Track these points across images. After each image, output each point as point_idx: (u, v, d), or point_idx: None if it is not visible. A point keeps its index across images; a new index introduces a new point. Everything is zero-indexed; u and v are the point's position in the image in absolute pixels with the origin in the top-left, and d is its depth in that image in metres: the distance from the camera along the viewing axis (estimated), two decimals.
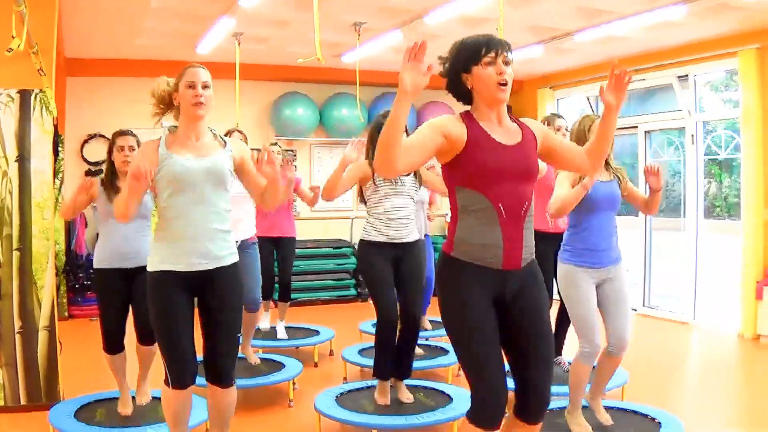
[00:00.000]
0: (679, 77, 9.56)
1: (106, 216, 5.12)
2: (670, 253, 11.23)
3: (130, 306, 5.23)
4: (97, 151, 10.33)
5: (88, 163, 10.37)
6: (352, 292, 11.71)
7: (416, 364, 6.05)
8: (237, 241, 6.10)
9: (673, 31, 8.49)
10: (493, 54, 3.23)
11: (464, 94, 3.38)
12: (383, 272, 5.51)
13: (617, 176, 4.93)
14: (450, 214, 3.45)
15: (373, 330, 8.03)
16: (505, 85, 3.25)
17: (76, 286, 9.73)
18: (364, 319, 8.66)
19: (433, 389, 5.92)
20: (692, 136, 9.47)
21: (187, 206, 3.79)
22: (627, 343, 4.82)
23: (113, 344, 5.22)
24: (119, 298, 5.16)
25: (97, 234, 5.33)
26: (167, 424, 4.04)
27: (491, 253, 3.26)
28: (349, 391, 5.83)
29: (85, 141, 10.35)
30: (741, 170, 8.81)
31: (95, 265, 5.21)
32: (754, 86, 8.45)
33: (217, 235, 3.87)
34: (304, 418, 5.85)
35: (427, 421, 5.20)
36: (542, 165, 5.85)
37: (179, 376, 3.84)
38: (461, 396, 5.58)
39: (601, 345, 4.77)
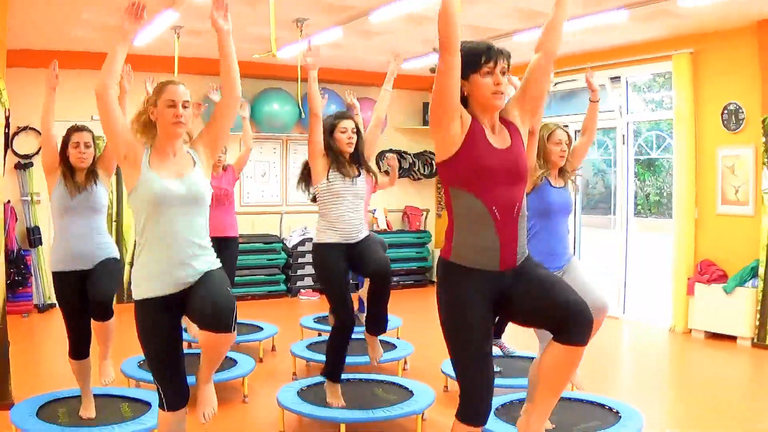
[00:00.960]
0: (611, 78, 9.83)
1: (61, 212, 4.99)
2: (598, 250, 11.55)
3: (89, 281, 5.00)
4: (27, 144, 10.12)
5: (18, 155, 10.10)
6: (282, 287, 11.67)
7: (365, 359, 6.16)
8: None
9: (610, 33, 8.73)
10: (492, 64, 3.32)
11: (460, 99, 3.42)
12: (341, 276, 5.52)
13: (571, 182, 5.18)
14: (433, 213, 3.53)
15: (315, 325, 8.12)
16: (501, 94, 3.34)
17: (8, 282, 9.46)
18: (297, 314, 8.69)
19: (390, 383, 6.00)
20: (623, 136, 9.75)
21: (168, 227, 3.68)
22: (605, 304, 4.95)
23: (80, 350, 5.09)
24: (81, 302, 5.00)
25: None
26: None
27: (488, 256, 3.34)
28: (309, 386, 5.85)
29: (15, 134, 10.05)
30: (673, 170, 9.10)
31: (53, 268, 5.05)
32: (686, 89, 8.76)
33: (198, 251, 3.78)
34: (263, 414, 5.87)
35: (394, 414, 5.28)
36: None
37: (174, 402, 3.78)
38: (421, 390, 5.70)
39: None
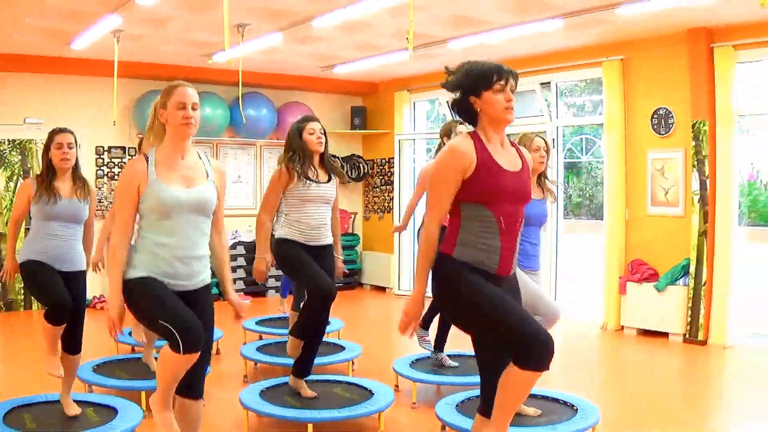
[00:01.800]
0: (541, 84, 10.09)
1: (41, 216, 5.02)
2: None
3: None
4: None
5: None
6: (215, 290, 11.58)
7: (316, 360, 6.13)
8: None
9: (542, 40, 8.98)
10: (503, 82, 3.51)
11: (470, 115, 3.61)
12: (304, 256, 5.57)
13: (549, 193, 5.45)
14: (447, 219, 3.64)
15: (257, 327, 8.15)
16: (512, 109, 3.54)
17: None
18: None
19: (348, 383, 6.08)
20: (553, 139, 10.01)
21: (174, 231, 3.81)
22: (558, 311, 5.23)
23: (62, 315, 4.98)
24: (55, 274, 5.02)
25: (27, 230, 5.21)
26: (162, 386, 3.87)
27: (489, 258, 3.52)
28: (270, 387, 5.87)
29: None
30: (604, 173, 9.39)
31: (23, 258, 5.05)
32: (616, 95, 9.07)
33: (200, 258, 3.92)
34: (224, 417, 5.84)
35: (360, 413, 5.36)
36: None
37: (196, 342, 3.71)
38: (379, 389, 5.83)
39: None
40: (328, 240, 5.73)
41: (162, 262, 3.79)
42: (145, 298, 3.76)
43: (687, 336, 8.35)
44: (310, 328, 5.61)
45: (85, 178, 5.27)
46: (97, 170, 10.74)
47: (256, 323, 8.44)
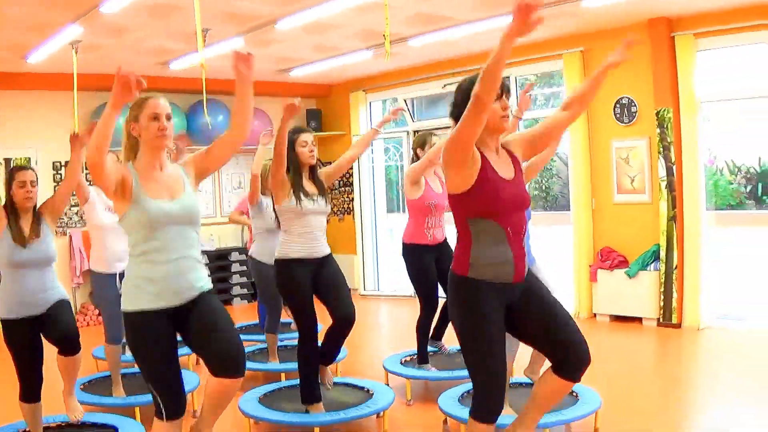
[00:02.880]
0: None
1: (10, 265, 4.79)
2: None
3: (44, 324, 4.90)
4: None
5: None
6: None
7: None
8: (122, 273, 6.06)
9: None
10: (499, 92, 3.58)
11: None
12: (306, 292, 5.50)
13: None
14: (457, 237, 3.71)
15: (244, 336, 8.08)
16: (508, 117, 3.66)
17: None
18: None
19: (345, 384, 6.10)
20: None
21: (166, 244, 3.70)
22: None
23: (33, 394, 4.90)
24: (33, 347, 4.88)
25: None
26: None
27: (504, 270, 3.62)
28: (268, 393, 5.87)
29: None
30: (568, 164, 9.53)
31: (1, 315, 4.85)
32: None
33: (195, 265, 3.81)
34: (224, 426, 5.79)
35: (364, 413, 5.39)
36: (410, 172, 6.39)
37: (175, 411, 3.76)
38: (377, 388, 5.88)
39: None
40: (327, 250, 5.62)
41: (157, 283, 3.68)
42: (139, 350, 3.70)
43: (661, 320, 8.53)
44: (315, 383, 5.59)
45: (43, 217, 5.00)
46: (54, 186, 10.55)
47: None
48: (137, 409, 5.79)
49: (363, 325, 10.13)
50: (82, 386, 6.18)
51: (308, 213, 5.42)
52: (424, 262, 6.46)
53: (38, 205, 4.98)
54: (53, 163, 10.62)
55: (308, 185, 5.50)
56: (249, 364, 6.79)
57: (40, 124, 10.33)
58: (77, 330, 4.97)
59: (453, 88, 9.39)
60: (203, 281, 3.82)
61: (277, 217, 5.62)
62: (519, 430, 3.91)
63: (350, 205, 12.57)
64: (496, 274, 3.59)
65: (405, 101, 11.79)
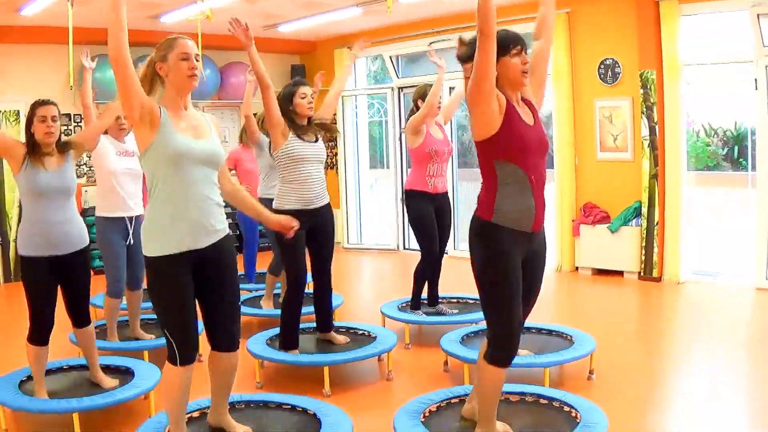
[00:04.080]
0: None
1: (30, 196, 4.76)
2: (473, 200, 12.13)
3: (60, 290, 4.96)
4: None
5: None
6: None
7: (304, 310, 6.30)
8: (132, 218, 6.21)
9: None
10: (519, 47, 3.77)
11: None
12: (300, 243, 5.69)
13: None
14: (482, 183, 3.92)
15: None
16: (528, 72, 3.82)
17: None
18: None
19: (348, 329, 6.28)
20: None
21: (189, 186, 3.77)
22: None
23: (44, 335, 4.87)
24: (50, 287, 4.86)
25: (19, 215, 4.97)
26: (171, 406, 3.95)
27: (526, 217, 3.81)
28: (272, 337, 6.01)
29: None
30: (553, 122, 9.76)
31: (20, 252, 4.82)
32: (563, 47, 9.44)
33: (216, 209, 3.92)
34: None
35: (370, 353, 5.62)
36: (411, 123, 6.61)
37: (191, 355, 3.86)
38: (380, 332, 6.11)
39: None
40: (325, 200, 5.83)
41: (181, 226, 3.76)
42: (160, 296, 3.78)
43: (642, 274, 8.86)
44: (296, 331, 5.84)
45: (69, 150, 4.99)
46: None
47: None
48: (146, 353, 5.93)
49: (352, 276, 10.41)
50: None
51: (305, 158, 5.62)
52: (424, 210, 6.68)
53: (62, 140, 4.94)
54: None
55: (306, 132, 5.70)
56: (244, 309, 6.91)
57: (32, 77, 10.30)
58: (88, 304, 5.09)
59: (439, 46, 9.66)
60: (224, 224, 3.95)
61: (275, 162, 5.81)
62: (474, 402, 4.17)
63: (334, 160, 12.72)
64: (518, 221, 3.77)
65: (390, 58, 11.93)
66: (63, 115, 10.75)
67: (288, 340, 5.75)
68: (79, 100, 5.91)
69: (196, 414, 4.41)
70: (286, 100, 5.66)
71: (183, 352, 3.81)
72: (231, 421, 4.18)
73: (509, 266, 3.78)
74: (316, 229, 5.78)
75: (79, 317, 5.05)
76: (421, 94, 6.69)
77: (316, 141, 5.75)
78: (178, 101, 3.83)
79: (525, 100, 3.94)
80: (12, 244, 10.09)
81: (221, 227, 3.92)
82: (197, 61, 3.82)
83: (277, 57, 12.83)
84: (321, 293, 6.00)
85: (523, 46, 3.79)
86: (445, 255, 7.03)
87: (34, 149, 4.78)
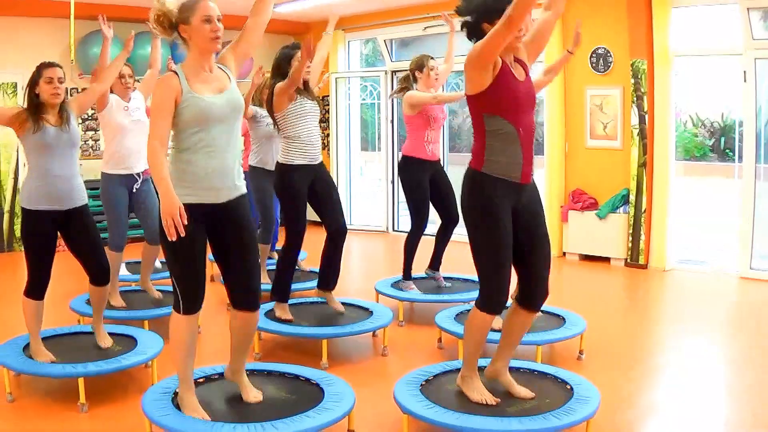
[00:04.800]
0: None
1: (37, 152, 4.85)
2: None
3: (70, 247, 5.09)
4: None
5: None
6: None
7: (295, 285, 6.54)
8: (139, 173, 6.44)
9: None
10: None
11: (479, 38, 3.94)
12: (303, 198, 5.97)
13: None
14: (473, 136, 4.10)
15: None
16: (521, 37, 3.99)
17: None
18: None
19: (345, 303, 6.35)
20: None
21: (215, 140, 3.86)
22: None
23: (40, 290, 4.97)
24: (50, 241, 4.96)
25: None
26: (179, 352, 4.03)
27: (514, 168, 4.00)
28: (270, 310, 6.09)
29: None
30: (544, 109, 9.90)
31: (23, 204, 4.91)
32: (556, 35, 9.50)
33: (237, 165, 4.03)
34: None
35: (368, 328, 5.80)
36: (414, 99, 6.72)
37: (196, 303, 3.99)
38: (376, 308, 6.24)
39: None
40: (321, 157, 6.09)
41: (203, 179, 3.85)
42: (174, 245, 3.76)
43: (628, 260, 9.04)
44: (289, 285, 6.10)
45: (68, 110, 5.02)
46: None
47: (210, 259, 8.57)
48: (146, 322, 6.04)
49: (343, 255, 10.48)
50: (87, 301, 6.00)
51: (309, 114, 5.91)
52: (419, 177, 6.85)
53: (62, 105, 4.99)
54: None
55: (305, 91, 5.96)
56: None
57: (30, 50, 10.27)
58: (102, 257, 5.16)
59: (433, 30, 9.75)
60: (243, 182, 4.06)
61: (276, 124, 6.03)
62: (498, 364, 4.34)
63: (326, 141, 12.80)
64: (506, 171, 3.96)
65: (384, 42, 12.03)
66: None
67: (282, 291, 6.00)
68: (81, 70, 5.99)
69: (202, 380, 4.51)
70: (285, 62, 5.90)
71: (188, 301, 3.95)
72: (246, 382, 4.28)
73: (500, 213, 3.97)
74: (318, 184, 6.02)
75: (97, 272, 5.11)
76: (418, 65, 6.81)
77: (313, 100, 6.01)
78: (201, 63, 3.88)
79: (518, 60, 4.07)
80: (6, 215, 10.20)
81: (240, 183, 4.02)
82: (219, 22, 3.86)
83: (270, 38, 12.84)
84: (335, 245, 6.11)
85: None
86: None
87: (37, 109, 4.84)
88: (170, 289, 6.60)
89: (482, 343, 4.22)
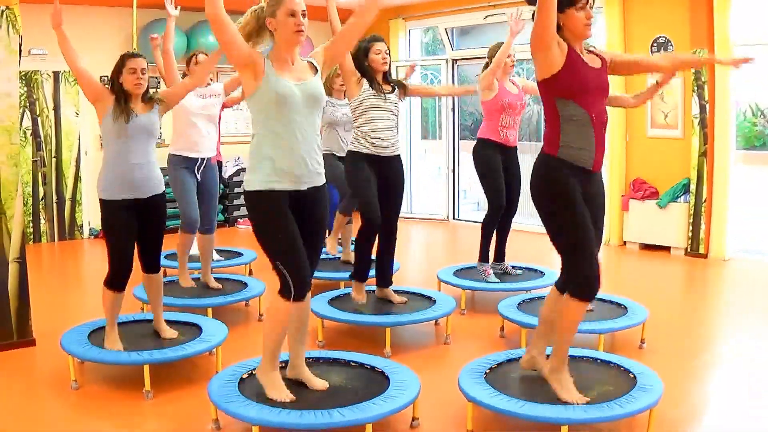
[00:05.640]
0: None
1: (115, 139, 4.92)
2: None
3: (142, 217, 5.09)
4: None
5: None
6: (220, 217, 11.85)
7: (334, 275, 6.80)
8: (203, 159, 6.55)
9: None
10: (585, 1, 3.97)
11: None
12: (370, 179, 6.05)
13: None
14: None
15: None
16: (591, 25, 4.03)
17: None
18: (238, 242, 8.96)
19: (406, 292, 6.47)
20: None
21: (292, 127, 3.95)
22: None
23: (122, 280, 5.05)
24: (130, 230, 5.04)
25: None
26: (274, 336, 4.11)
27: (587, 155, 4.03)
28: (335, 297, 6.29)
29: None
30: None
31: (101, 196, 5.00)
32: (617, 23, 9.58)
33: (317, 153, 4.12)
34: None
35: (431, 316, 5.90)
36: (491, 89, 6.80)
37: (304, 288, 4.02)
38: (439, 297, 6.31)
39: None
40: (396, 151, 6.14)
41: (287, 165, 3.95)
42: (269, 228, 3.95)
43: (689, 250, 9.05)
44: (367, 265, 6.22)
45: (156, 101, 5.14)
46: None
47: None
48: (210, 310, 6.14)
49: (404, 244, 10.57)
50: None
51: (377, 108, 5.96)
52: (492, 159, 6.94)
53: (149, 95, 5.09)
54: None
55: (379, 85, 6.01)
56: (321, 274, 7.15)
57: (92, 39, 10.49)
58: (160, 249, 5.29)
59: (494, 19, 9.86)
60: (322, 169, 4.17)
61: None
62: (534, 352, 4.41)
63: None
64: (579, 157, 3.99)
65: (445, 30, 12.10)
66: None
67: (358, 270, 6.21)
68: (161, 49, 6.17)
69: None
70: (363, 55, 5.97)
71: (297, 286, 3.96)
72: (309, 374, 4.34)
73: (576, 197, 3.99)
74: (385, 177, 6.10)
75: (150, 262, 5.23)
76: (495, 52, 6.89)
77: (392, 92, 6.06)
78: (285, 55, 4.02)
79: (593, 52, 4.13)
80: (67, 203, 10.48)
81: (319, 171, 4.13)
82: (304, 17, 3.99)
83: (324, 26, 12.97)
84: (385, 245, 6.26)
85: (588, 1, 3.96)
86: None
87: (122, 98, 4.95)
88: (228, 277, 6.93)
89: (574, 333, 4.17)
